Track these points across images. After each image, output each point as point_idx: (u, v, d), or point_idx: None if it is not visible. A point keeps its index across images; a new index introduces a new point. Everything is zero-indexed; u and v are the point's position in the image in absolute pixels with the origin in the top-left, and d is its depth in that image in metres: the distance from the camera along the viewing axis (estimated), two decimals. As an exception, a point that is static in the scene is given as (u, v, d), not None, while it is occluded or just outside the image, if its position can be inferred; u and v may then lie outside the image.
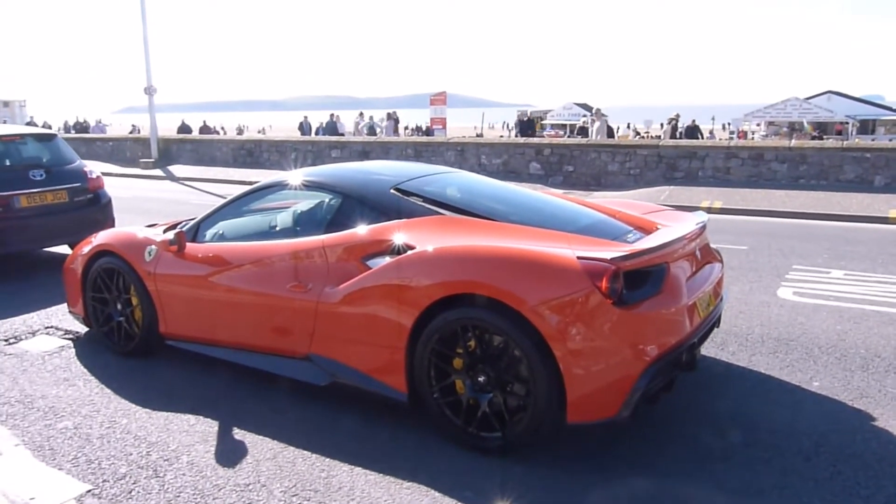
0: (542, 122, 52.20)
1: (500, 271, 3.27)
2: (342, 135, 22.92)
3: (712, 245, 4.40)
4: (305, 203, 4.80)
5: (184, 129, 29.71)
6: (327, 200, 4.50)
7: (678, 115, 25.49)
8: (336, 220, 4.14)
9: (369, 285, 3.64)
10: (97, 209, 8.12)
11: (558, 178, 15.38)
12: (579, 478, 3.20)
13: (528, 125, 22.30)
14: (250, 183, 17.11)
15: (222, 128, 41.61)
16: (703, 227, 4.09)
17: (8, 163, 7.67)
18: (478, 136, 30.60)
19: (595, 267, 3.17)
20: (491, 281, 3.25)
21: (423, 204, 4.03)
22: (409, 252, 3.59)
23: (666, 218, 4.45)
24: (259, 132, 38.38)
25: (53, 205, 7.67)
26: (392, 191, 4.14)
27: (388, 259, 3.69)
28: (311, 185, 4.52)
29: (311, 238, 4.08)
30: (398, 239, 3.73)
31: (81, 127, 35.31)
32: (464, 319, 3.36)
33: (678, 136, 22.48)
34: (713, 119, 59.44)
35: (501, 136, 33.42)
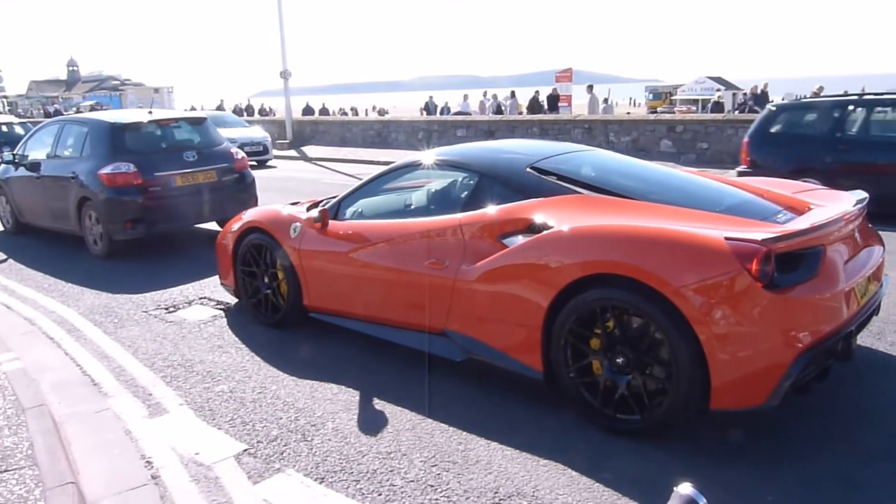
0: (672, 97, 50.25)
1: (642, 252, 3.20)
2: (468, 114, 23.03)
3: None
4: (441, 182, 4.88)
5: (307, 111, 30.88)
6: (462, 179, 4.56)
7: (821, 88, 23.70)
8: (472, 198, 4.19)
9: (507, 263, 3.67)
10: (242, 188, 8.63)
11: (691, 156, 14.76)
12: (723, 468, 3.10)
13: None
14: (379, 163, 17.63)
15: (353, 109, 42.91)
16: (864, 207, 3.81)
17: (164, 145, 8.31)
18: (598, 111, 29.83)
19: (745, 248, 3.03)
20: (633, 261, 3.18)
21: (560, 182, 4.00)
22: (548, 231, 3.58)
23: (819, 197, 4.18)
24: (379, 113, 39.45)
25: (204, 184, 8.16)
26: (528, 169, 4.13)
27: (524, 238, 3.70)
28: (446, 165, 4.59)
29: (448, 216, 4.15)
30: (536, 218, 3.73)
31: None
32: (603, 300, 3.31)
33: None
34: (863, 90, 54.91)
35: (628, 113, 32.47)
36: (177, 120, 8.80)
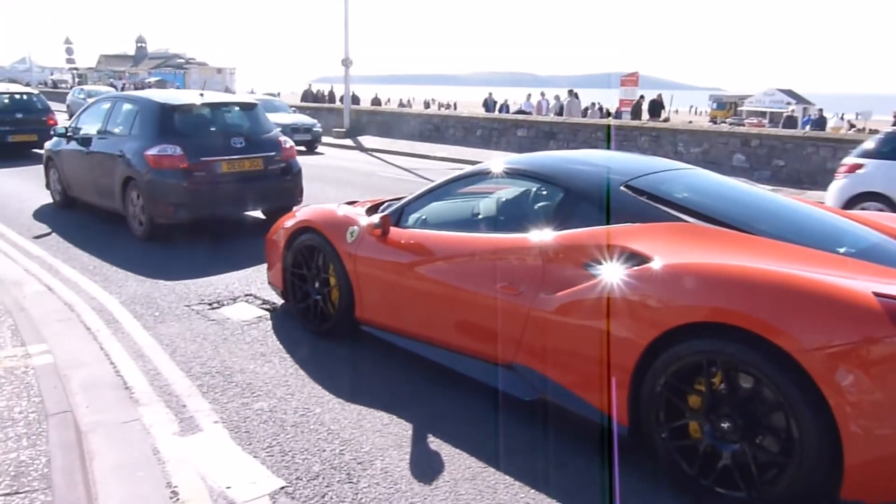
0: (738, 108, 48.62)
1: (770, 302, 2.66)
2: (529, 113, 22.41)
3: None
4: (515, 193, 4.40)
5: (354, 100, 30.58)
6: (543, 193, 4.07)
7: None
8: (554, 217, 3.69)
9: (598, 296, 3.14)
10: (289, 178, 8.31)
11: (765, 173, 13.96)
12: (849, 568, 2.56)
13: None
14: (435, 158, 17.20)
15: (409, 101, 42.53)
16: None
17: (213, 129, 8.06)
18: (664, 120, 28.46)
19: (901, 309, 2.48)
20: (758, 313, 2.65)
21: (660, 206, 3.47)
22: (653, 264, 3.05)
23: (961, 242, 3.57)
24: (444, 107, 38.91)
25: (249, 172, 7.89)
26: (622, 188, 3.61)
27: (616, 267, 3.19)
28: (525, 175, 4.11)
29: (526, 235, 3.66)
30: (633, 246, 3.21)
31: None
32: (713, 353, 2.79)
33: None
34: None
35: (690, 122, 31.36)
36: (228, 104, 8.56)
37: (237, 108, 8.49)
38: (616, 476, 3.11)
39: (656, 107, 22.71)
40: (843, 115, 38.31)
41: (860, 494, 2.55)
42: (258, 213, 8.88)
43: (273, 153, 8.11)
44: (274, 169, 8.11)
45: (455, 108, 29.80)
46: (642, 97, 23.14)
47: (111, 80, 62.63)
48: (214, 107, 8.25)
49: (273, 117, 16.11)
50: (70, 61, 50.37)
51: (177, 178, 7.41)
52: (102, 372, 4.23)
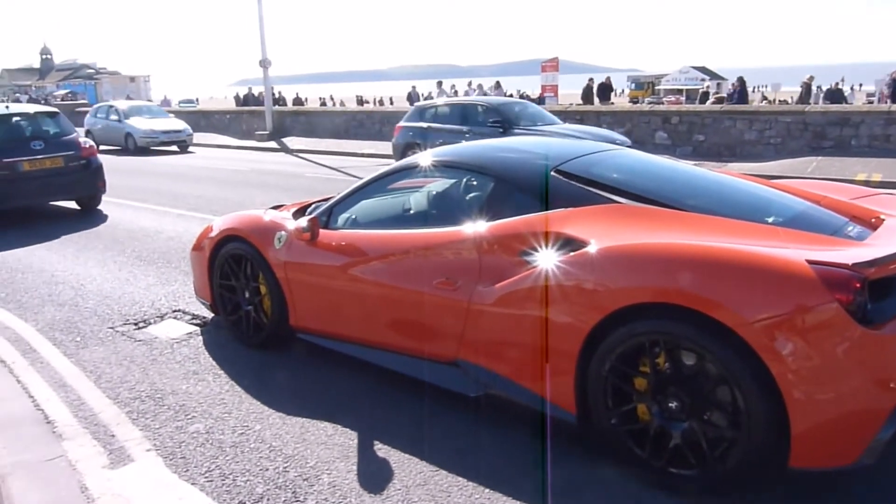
0: (655, 87, 49.87)
1: (707, 278, 2.64)
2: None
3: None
4: (448, 187, 4.30)
5: (279, 101, 30.03)
6: (473, 184, 3.98)
7: (812, 77, 23.37)
8: (486, 207, 3.61)
9: (536, 285, 3.08)
10: (88, 173, 9.95)
11: (687, 149, 14.31)
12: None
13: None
14: (362, 154, 16.96)
15: (331, 98, 41.87)
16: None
17: (14, 135, 9.54)
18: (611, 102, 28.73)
19: (834, 275, 2.49)
20: (697, 290, 2.63)
21: (593, 189, 3.43)
22: (586, 248, 3.01)
23: (881, 203, 3.67)
24: (379, 104, 38.45)
25: (51, 169, 9.52)
26: (554, 173, 3.56)
27: (553, 254, 3.14)
28: (455, 167, 4.02)
29: (460, 228, 3.57)
30: (568, 231, 3.15)
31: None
32: (655, 333, 2.76)
33: (820, 100, 20.53)
34: (842, 80, 54.92)
35: (612, 103, 31.95)
36: (29, 113, 10.01)
37: (39, 116, 10.05)
38: (552, 463, 3.06)
39: (605, 90, 23.11)
40: (756, 87, 39.73)
41: (807, 461, 2.56)
42: (178, 221, 8.56)
43: (72, 152, 9.72)
44: (74, 165, 9.73)
45: (392, 104, 29.43)
46: (591, 80, 23.43)
47: (17, 94, 59.71)
48: (16, 116, 9.78)
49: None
50: (-31, 77, 47.69)
51: None
52: (20, 407, 3.95)
